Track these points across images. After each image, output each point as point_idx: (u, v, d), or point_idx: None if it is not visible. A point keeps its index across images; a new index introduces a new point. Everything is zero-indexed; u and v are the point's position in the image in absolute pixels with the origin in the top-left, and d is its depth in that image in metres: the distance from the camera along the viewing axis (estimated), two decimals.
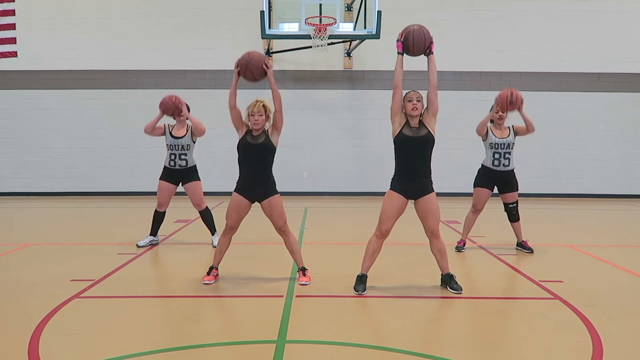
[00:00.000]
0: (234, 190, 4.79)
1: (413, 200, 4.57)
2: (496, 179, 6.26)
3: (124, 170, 13.12)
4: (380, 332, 3.69)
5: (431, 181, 4.57)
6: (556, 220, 9.58)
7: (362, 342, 3.40)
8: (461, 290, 4.52)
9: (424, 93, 4.51)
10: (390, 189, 4.59)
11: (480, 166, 6.38)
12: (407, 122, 4.51)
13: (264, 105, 4.64)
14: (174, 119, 6.36)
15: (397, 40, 4.48)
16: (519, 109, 5.84)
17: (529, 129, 6.09)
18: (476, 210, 6.37)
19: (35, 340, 3.39)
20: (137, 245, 6.42)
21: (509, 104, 5.73)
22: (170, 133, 6.33)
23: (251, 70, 4.59)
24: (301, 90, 13.13)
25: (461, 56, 12.98)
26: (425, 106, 4.53)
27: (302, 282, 4.78)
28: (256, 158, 4.71)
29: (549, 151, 13.01)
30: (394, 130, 4.52)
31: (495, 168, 6.20)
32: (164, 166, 6.44)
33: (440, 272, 4.72)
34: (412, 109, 4.43)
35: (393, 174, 4.62)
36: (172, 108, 6.17)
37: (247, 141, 4.69)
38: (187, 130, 6.33)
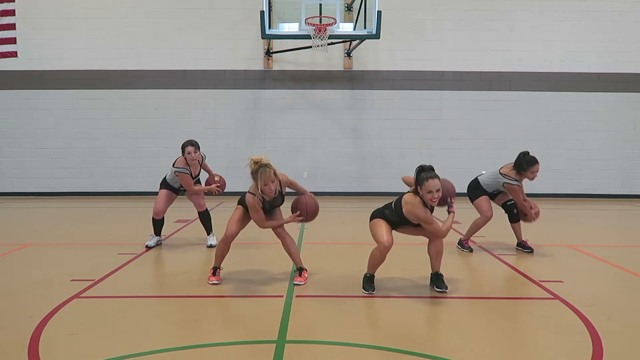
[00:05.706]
0: (239, 204, 4.86)
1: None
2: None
3: (124, 170, 13.13)
4: (380, 332, 3.69)
5: None
6: (556, 220, 9.58)
7: (362, 342, 3.40)
8: (446, 288, 4.53)
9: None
10: (377, 217, 4.59)
11: (474, 179, 6.43)
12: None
13: (274, 172, 4.50)
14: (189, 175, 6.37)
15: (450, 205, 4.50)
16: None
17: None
18: (487, 218, 6.25)
19: (35, 340, 3.39)
20: (146, 246, 6.42)
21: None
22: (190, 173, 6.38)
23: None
24: (301, 90, 13.14)
25: (461, 56, 12.98)
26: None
27: (297, 282, 4.77)
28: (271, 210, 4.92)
29: (549, 151, 13.00)
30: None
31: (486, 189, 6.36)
32: (167, 183, 6.49)
33: (430, 271, 4.70)
34: (431, 200, 4.27)
35: (382, 207, 4.63)
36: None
37: (266, 209, 4.76)
38: (200, 167, 6.51)
